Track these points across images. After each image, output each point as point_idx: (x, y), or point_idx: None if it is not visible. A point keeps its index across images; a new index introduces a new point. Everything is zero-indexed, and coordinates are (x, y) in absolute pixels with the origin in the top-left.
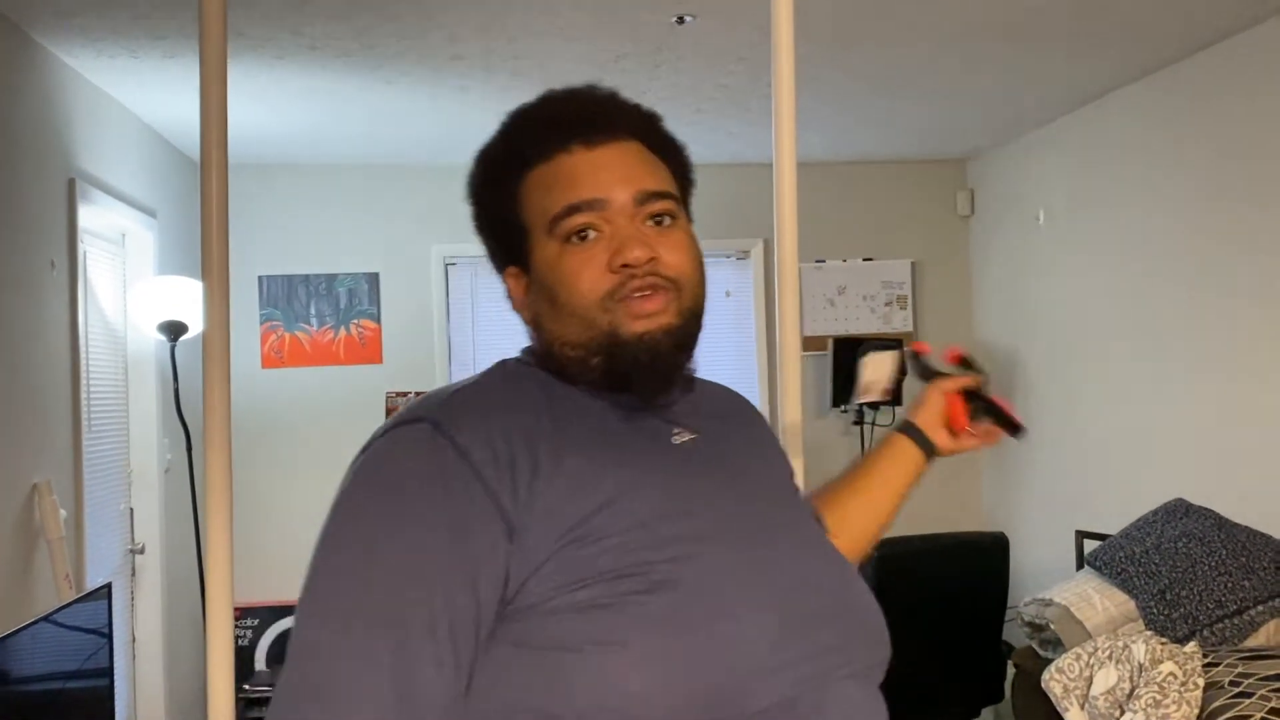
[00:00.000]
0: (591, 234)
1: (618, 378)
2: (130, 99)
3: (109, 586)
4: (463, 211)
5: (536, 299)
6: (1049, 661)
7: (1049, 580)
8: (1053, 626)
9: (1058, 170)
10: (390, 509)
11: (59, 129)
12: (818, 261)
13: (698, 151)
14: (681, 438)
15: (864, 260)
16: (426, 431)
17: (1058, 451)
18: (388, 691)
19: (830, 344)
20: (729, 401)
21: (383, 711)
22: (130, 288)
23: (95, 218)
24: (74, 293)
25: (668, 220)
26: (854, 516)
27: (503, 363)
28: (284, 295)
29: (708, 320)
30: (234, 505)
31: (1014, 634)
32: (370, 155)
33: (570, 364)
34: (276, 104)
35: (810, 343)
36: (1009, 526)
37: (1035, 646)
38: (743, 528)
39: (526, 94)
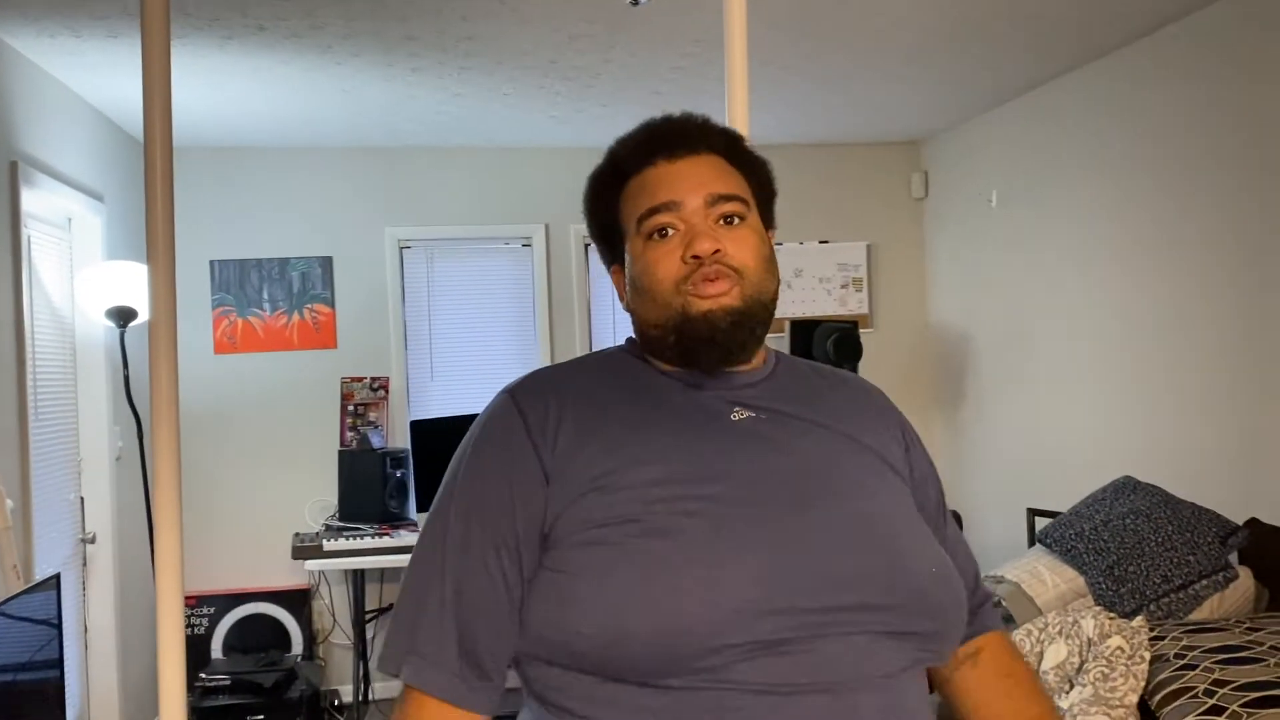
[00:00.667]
0: (670, 231)
1: (686, 352)
2: (74, 80)
3: (58, 577)
4: (416, 193)
5: (631, 290)
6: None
7: (1001, 557)
8: (1005, 603)
9: (1009, 153)
10: (469, 463)
11: (0, 110)
12: (774, 244)
13: None
14: (741, 415)
15: (820, 243)
16: (506, 400)
17: (1010, 431)
18: (449, 594)
19: (787, 326)
20: (843, 391)
21: (443, 608)
22: (77, 273)
23: (39, 201)
24: (18, 278)
25: (737, 220)
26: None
27: (606, 349)
28: (236, 280)
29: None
30: (188, 493)
31: None
32: (322, 137)
33: (653, 343)
34: (225, 86)
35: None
36: (962, 504)
37: None
38: (770, 496)
39: (481, 75)
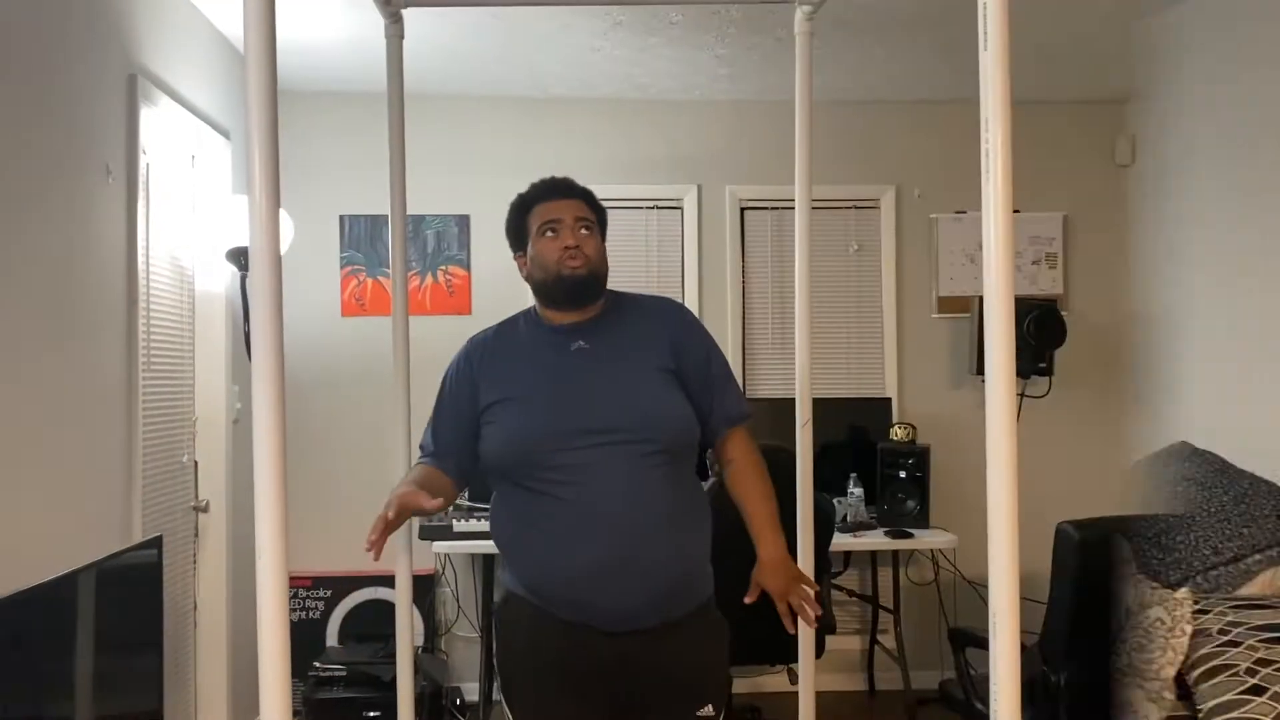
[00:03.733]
0: (553, 233)
1: (562, 295)
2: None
3: (159, 539)
4: (561, 148)
5: (531, 264)
6: None
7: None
8: None
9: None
10: (450, 371)
11: (119, 17)
12: (957, 213)
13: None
14: (577, 344)
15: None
16: (465, 345)
17: (1246, 436)
18: (432, 426)
19: (975, 305)
20: (646, 313)
21: (427, 432)
22: (200, 213)
23: (160, 126)
24: (132, 208)
25: (585, 230)
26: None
27: (524, 310)
28: (367, 237)
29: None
30: (305, 465)
31: None
32: (461, 84)
33: (543, 295)
34: (350, 20)
35: (947, 303)
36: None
37: None
38: (575, 382)
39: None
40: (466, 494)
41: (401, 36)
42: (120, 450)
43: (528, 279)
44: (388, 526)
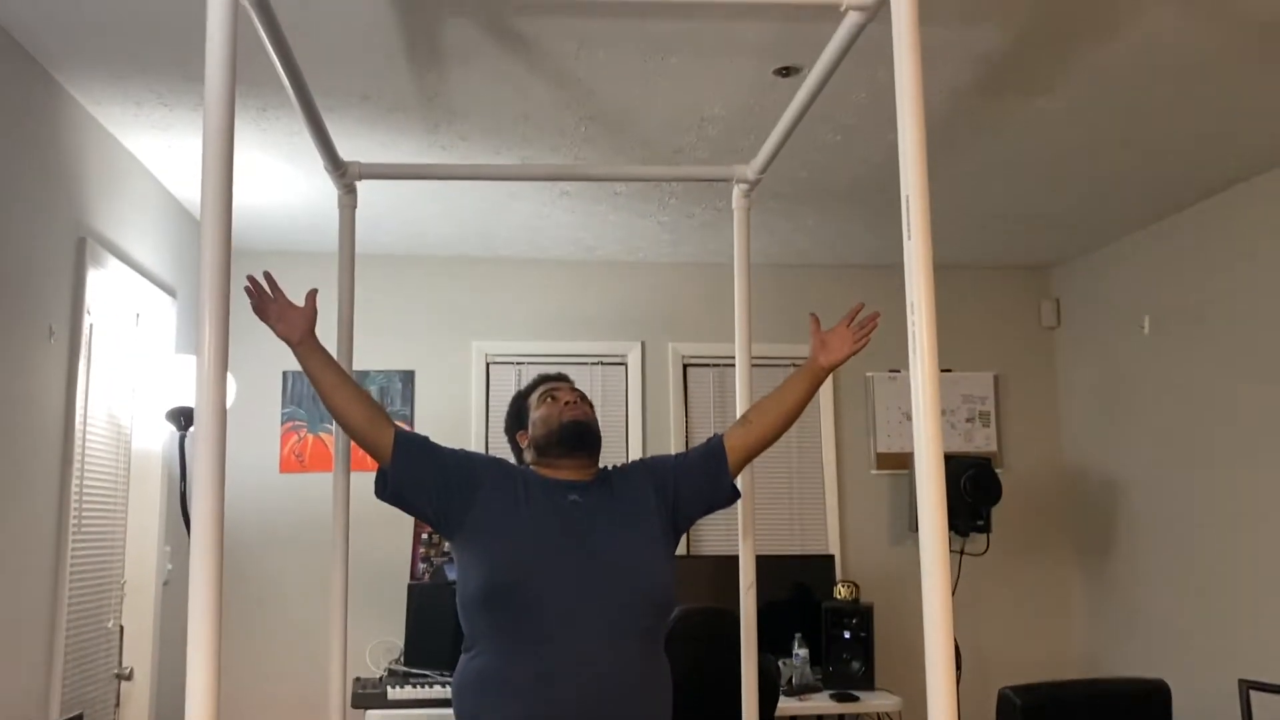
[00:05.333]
0: (551, 399)
1: (564, 440)
2: (154, 160)
3: (79, 717)
4: (510, 306)
5: (534, 431)
6: None
7: None
8: None
9: (1167, 273)
10: (477, 455)
11: (71, 180)
12: (891, 372)
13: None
14: (573, 498)
15: (943, 371)
16: (496, 460)
17: (1181, 585)
18: (431, 449)
19: (911, 462)
20: (626, 477)
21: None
22: (142, 372)
23: (106, 287)
24: (73, 367)
25: (579, 399)
26: (769, 407)
27: (524, 466)
28: (309, 393)
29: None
30: (239, 625)
31: None
32: (406, 245)
33: (546, 448)
34: (302, 188)
35: (886, 460)
36: (1106, 671)
37: None
38: (566, 539)
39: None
40: (402, 659)
41: (354, 206)
42: (44, 619)
43: (529, 446)
44: (269, 288)
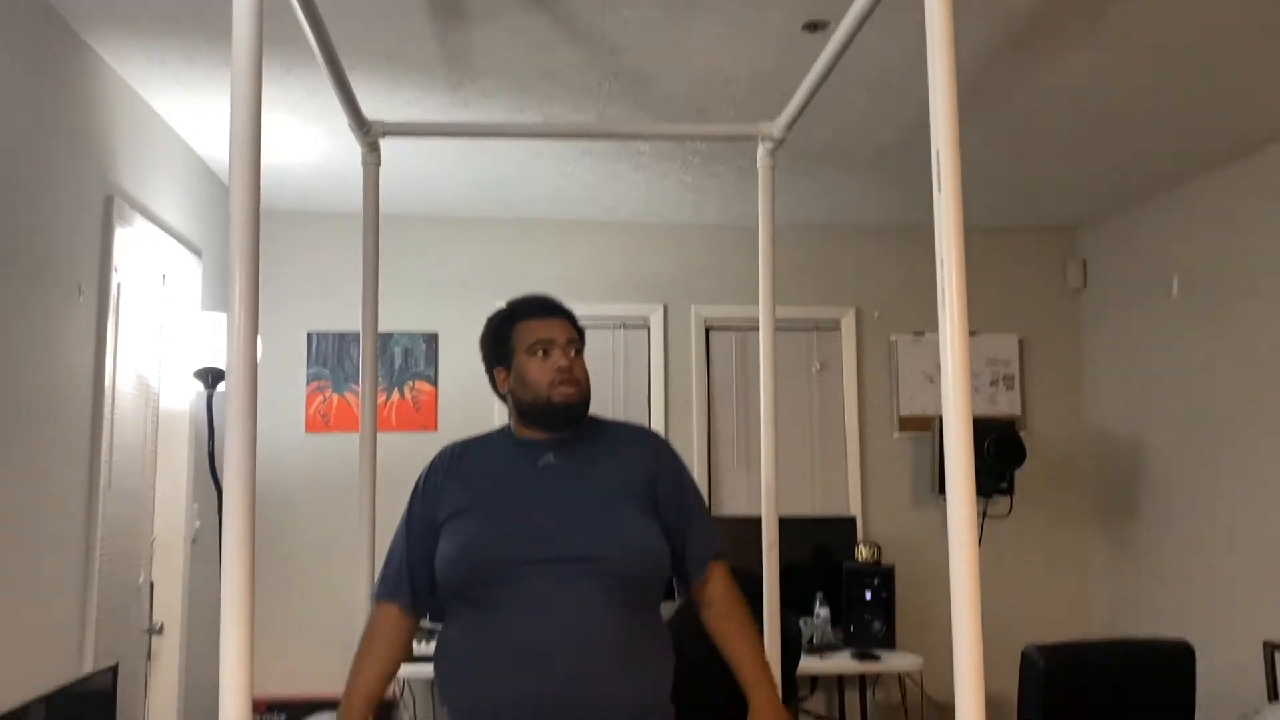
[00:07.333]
0: (545, 354)
1: (547, 421)
2: (180, 121)
3: (114, 668)
4: (530, 268)
5: (515, 382)
6: None
7: (1232, 699)
8: None
9: (1197, 234)
10: (415, 487)
11: (99, 140)
12: (916, 334)
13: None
14: (546, 461)
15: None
16: (433, 458)
17: (1205, 547)
18: (399, 551)
19: (936, 424)
20: (622, 439)
21: (397, 557)
22: (168, 331)
23: (133, 246)
24: (102, 326)
25: (575, 353)
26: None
27: (498, 427)
28: (334, 354)
29: (792, 399)
30: (264, 583)
31: None
32: (428, 207)
33: (526, 415)
34: (324, 147)
35: (909, 422)
36: (1128, 633)
37: None
38: (535, 501)
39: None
40: (428, 616)
41: (378, 164)
42: (78, 574)
43: (506, 395)
44: None
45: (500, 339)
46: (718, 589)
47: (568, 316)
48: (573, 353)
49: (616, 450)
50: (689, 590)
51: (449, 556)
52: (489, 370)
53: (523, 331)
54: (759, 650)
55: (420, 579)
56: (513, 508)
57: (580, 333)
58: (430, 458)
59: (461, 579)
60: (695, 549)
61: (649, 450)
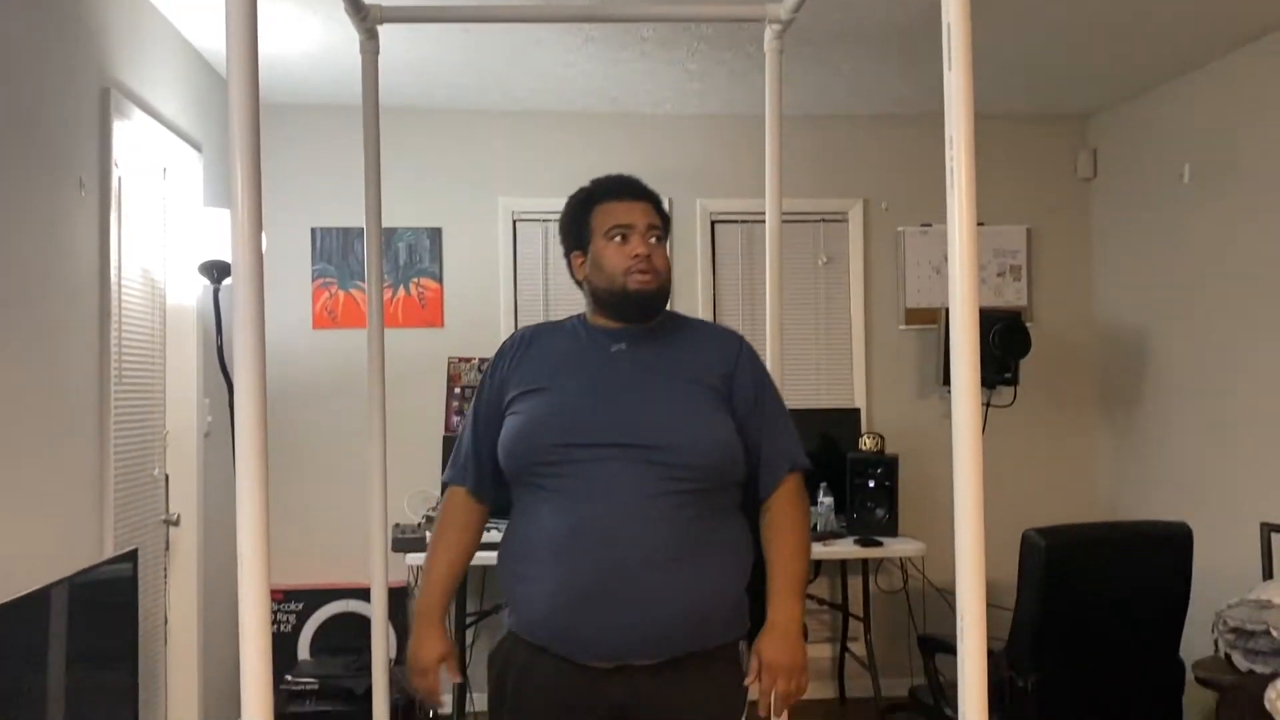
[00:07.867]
0: (623, 239)
1: (623, 310)
2: (175, 11)
3: (134, 553)
4: (533, 160)
5: (591, 268)
6: (1255, 674)
7: (1229, 580)
8: (1275, 632)
9: (1209, 121)
10: (485, 370)
11: (94, 31)
12: (923, 225)
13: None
14: (618, 348)
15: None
16: (505, 340)
17: (1208, 437)
18: (469, 437)
19: (942, 316)
20: (703, 335)
21: (465, 443)
22: (171, 226)
23: (132, 140)
24: (105, 220)
25: (655, 240)
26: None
27: (579, 313)
28: (339, 250)
29: (798, 292)
30: (278, 476)
31: (1193, 640)
32: (428, 98)
33: (602, 303)
34: (319, 36)
35: (915, 315)
36: (1138, 514)
37: (1238, 656)
38: (606, 387)
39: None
40: (438, 505)
41: (377, 52)
42: (92, 464)
43: (583, 281)
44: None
45: (578, 221)
46: (780, 498)
47: (652, 200)
48: (653, 240)
49: (695, 345)
50: (762, 498)
51: (509, 436)
52: (566, 254)
53: (602, 214)
54: (794, 568)
55: (486, 462)
56: (577, 391)
57: (665, 219)
58: (445, 353)
59: (520, 459)
60: (770, 455)
61: (730, 351)
